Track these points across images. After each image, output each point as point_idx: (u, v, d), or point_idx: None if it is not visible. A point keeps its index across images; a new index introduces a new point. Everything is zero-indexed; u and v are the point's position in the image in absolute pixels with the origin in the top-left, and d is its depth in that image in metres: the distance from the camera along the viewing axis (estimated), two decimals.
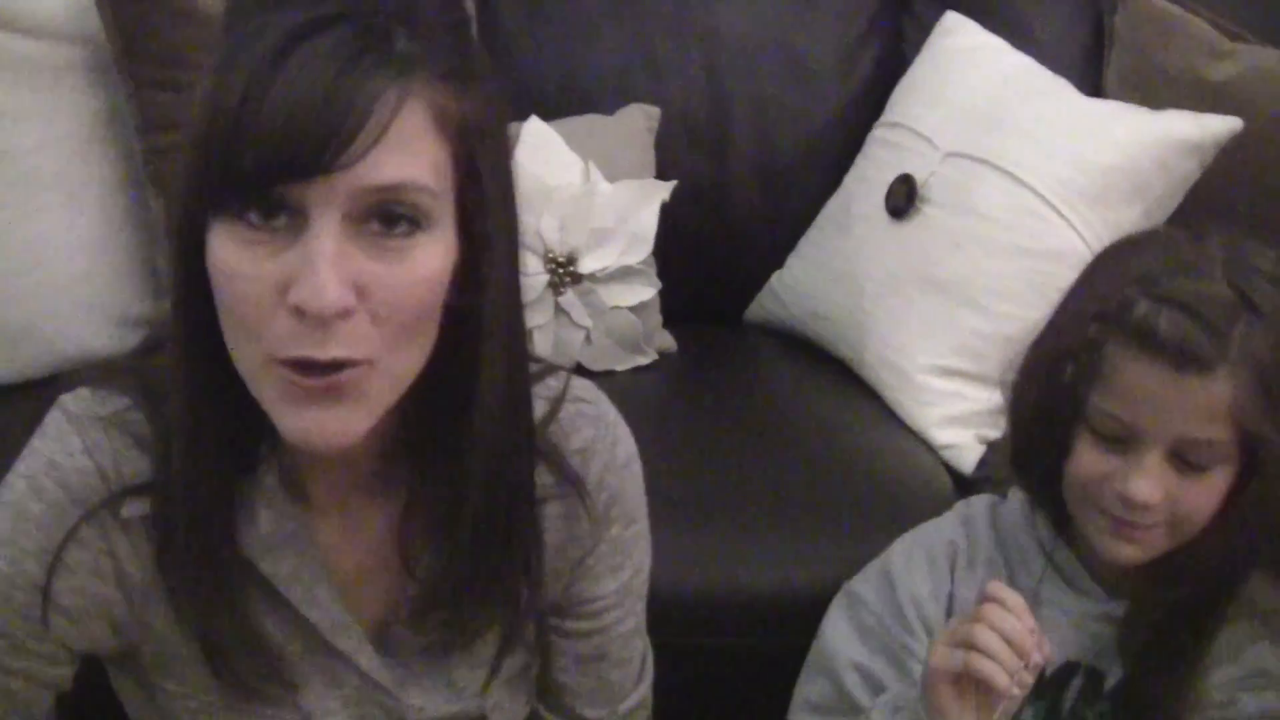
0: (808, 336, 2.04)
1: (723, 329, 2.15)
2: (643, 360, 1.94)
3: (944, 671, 1.12)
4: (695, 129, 2.15)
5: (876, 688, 1.31)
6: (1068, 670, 1.26)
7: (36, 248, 1.79)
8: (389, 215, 0.81)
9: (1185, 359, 1.11)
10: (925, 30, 2.15)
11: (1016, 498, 1.33)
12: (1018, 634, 1.10)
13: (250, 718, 1.01)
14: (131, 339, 1.84)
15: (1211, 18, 1.97)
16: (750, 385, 1.99)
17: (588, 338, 1.87)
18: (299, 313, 0.80)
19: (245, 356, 0.84)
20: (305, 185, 0.78)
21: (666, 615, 1.50)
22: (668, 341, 1.99)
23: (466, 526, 0.96)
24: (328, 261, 0.79)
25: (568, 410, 1.04)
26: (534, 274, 1.82)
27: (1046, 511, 1.28)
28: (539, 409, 1.02)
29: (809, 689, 1.38)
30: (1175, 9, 1.99)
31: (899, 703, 1.21)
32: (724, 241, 2.17)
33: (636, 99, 2.11)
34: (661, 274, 1.95)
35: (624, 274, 1.88)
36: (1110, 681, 1.26)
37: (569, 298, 1.84)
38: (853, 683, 1.32)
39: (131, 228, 1.85)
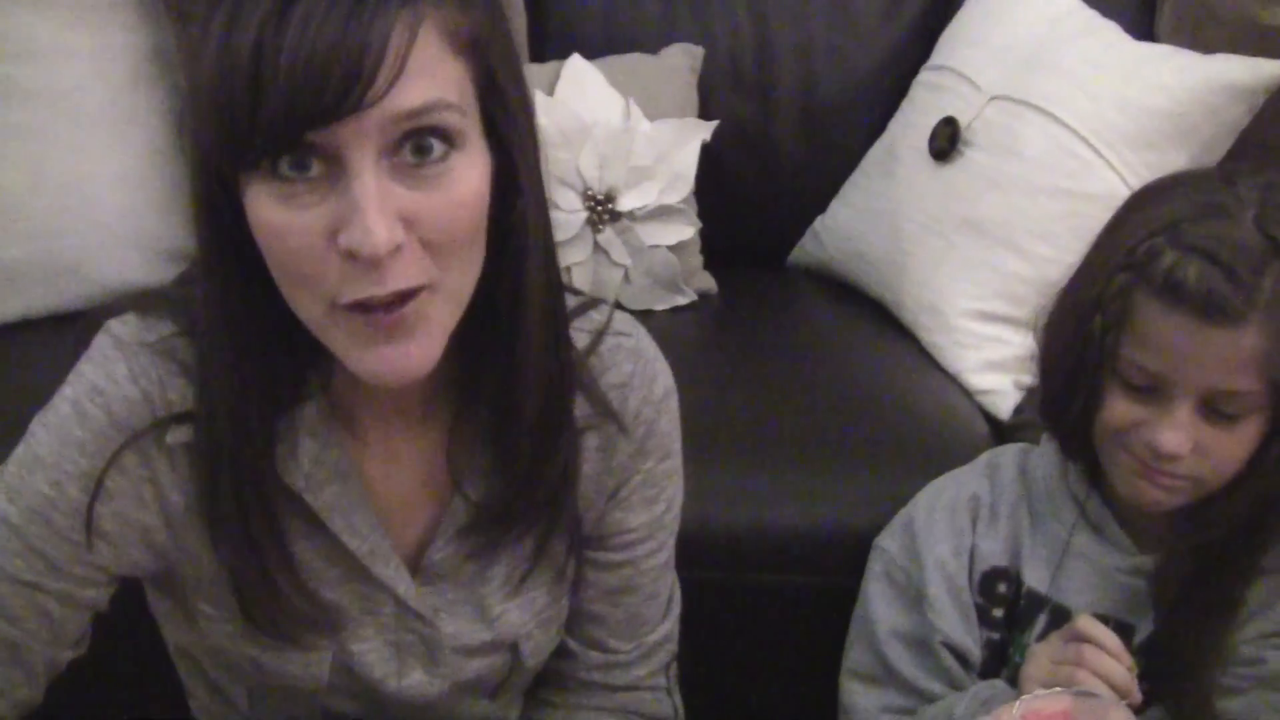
0: (849, 279, 2.04)
1: (765, 271, 2.15)
2: (681, 300, 1.95)
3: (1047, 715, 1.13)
4: (739, 71, 2.14)
5: (918, 655, 1.32)
6: None
7: (81, 183, 1.81)
8: (421, 144, 0.81)
9: (1213, 310, 1.09)
10: None
11: (1048, 446, 1.32)
12: (1120, 677, 1.11)
13: (286, 645, 1.02)
14: (174, 272, 1.85)
15: None
16: (789, 327, 1.98)
17: (626, 276, 1.88)
18: (352, 256, 0.80)
19: (306, 306, 0.85)
20: (336, 128, 0.78)
21: (699, 550, 1.51)
22: (708, 283, 1.99)
23: (520, 443, 0.97)
24: (373, 202, 0.79)
25: (608, 344, 1.05)
26: (572, 211, 1.82)
27: (1078, 461, 1.27)
28: (581, 341, 1.03)
29: (855, 657, 1.39)
30: None
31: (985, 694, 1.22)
32: (767, 184, 2.17)
33: (681, 40, 2.10)
34: (704, 216, 1.95)
35: (663, 213, 1.88)
36: (1140, 636, 1.25)
37: (607, 235, 1.84)
38: (896, 655, 1.33)
39: (175, 164, 1.86)
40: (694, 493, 1.37)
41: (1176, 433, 1.13)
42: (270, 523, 0.96)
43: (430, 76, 0.81)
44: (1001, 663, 1.31)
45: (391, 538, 1.02)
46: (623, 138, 1.85)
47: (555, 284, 0.96)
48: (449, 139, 0.82)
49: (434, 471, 1.03)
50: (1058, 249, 1.76)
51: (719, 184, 2.00)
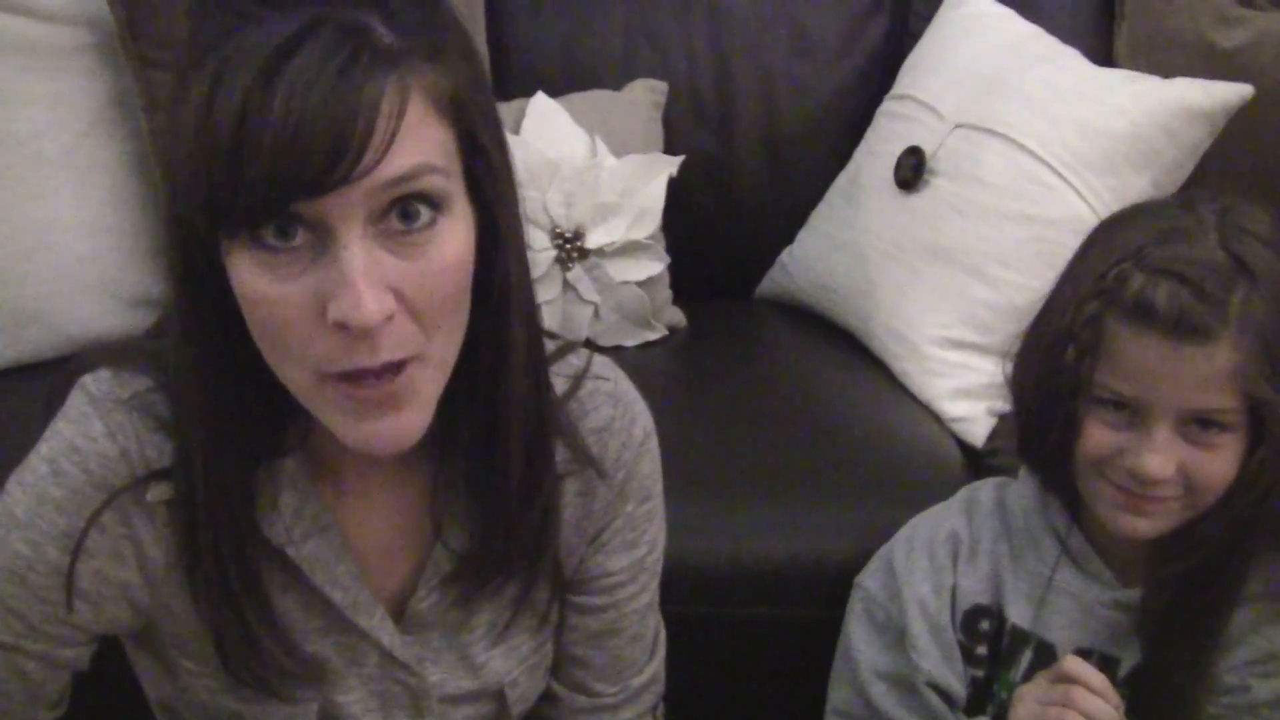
0: (818, 310, 2.04)
1: (733, 304, 2.15)
2: (652, 335, 1.94)
3: None
4: (701, 104, 2.15)
5: (902, 694, 1.31)
6: (1080, 657, 1.25)
7: (43, 229, 1.79)
8: (408, 209, 0.80)
9: (1185, 329, 1.10)
10: (931, 3, 2.14)
11: (1026, 480, 1.31)
12: (1108, 717, 1.11)
13: (269, 699, 1.01)
14: (138, 320, 1.85)
15: None
16: (760, 359, 1.98)
17: (596, 313, 1.87)
18: (342, 328, 0.79)
19: (294, 377, 0.84)
20: (323, 199, 0.77)
21: (675, 586, 1.49)
22: (678, 317, 1.99)
23: (502, 492, 0.97)
24: (362, 273, 0.78)
25: (587, 388, 1.05)
26: (541, 249, 1.81)
27: (1058, 494, 1.27)
28: (559, 386, 1.02)
29: (839, 696, 1.39)
30: None
31: None
32: (731, 217, 2.17)
33: (642, 75, 2.10)
34: (671, 250, 1.95)
35: (631, 249, 1.88)
36: (1124, 668, 1.25)
37: (576, 273, 1.84)
38: (879, 694, 1.33)
39: (138, 209, 1.86)
40: (668, 527, 1.36)
41: (1158, 455, 1.13)
42: (250, 578, 0.95)
43: (417, 141, 0.79)
44: (986, 700, 1.30)
45: (372, 587, 1.02)
46: (589, 174, 1.85)
47: (536, 335, 0.96)
48: (435, 203, 0.81)
49: (413, 520, 1.02)
50: (1023, 274, 1.77)
51: (684, 217, 2.00)
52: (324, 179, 0.75)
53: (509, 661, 1.08)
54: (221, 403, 0.89)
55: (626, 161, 1.90)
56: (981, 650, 1.29)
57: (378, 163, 0.76)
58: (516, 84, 2.05)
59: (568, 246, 1.83)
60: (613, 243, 1.85)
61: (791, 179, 2.15)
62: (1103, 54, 2.00)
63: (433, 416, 0.89)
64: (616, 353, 1.89)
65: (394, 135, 0.77)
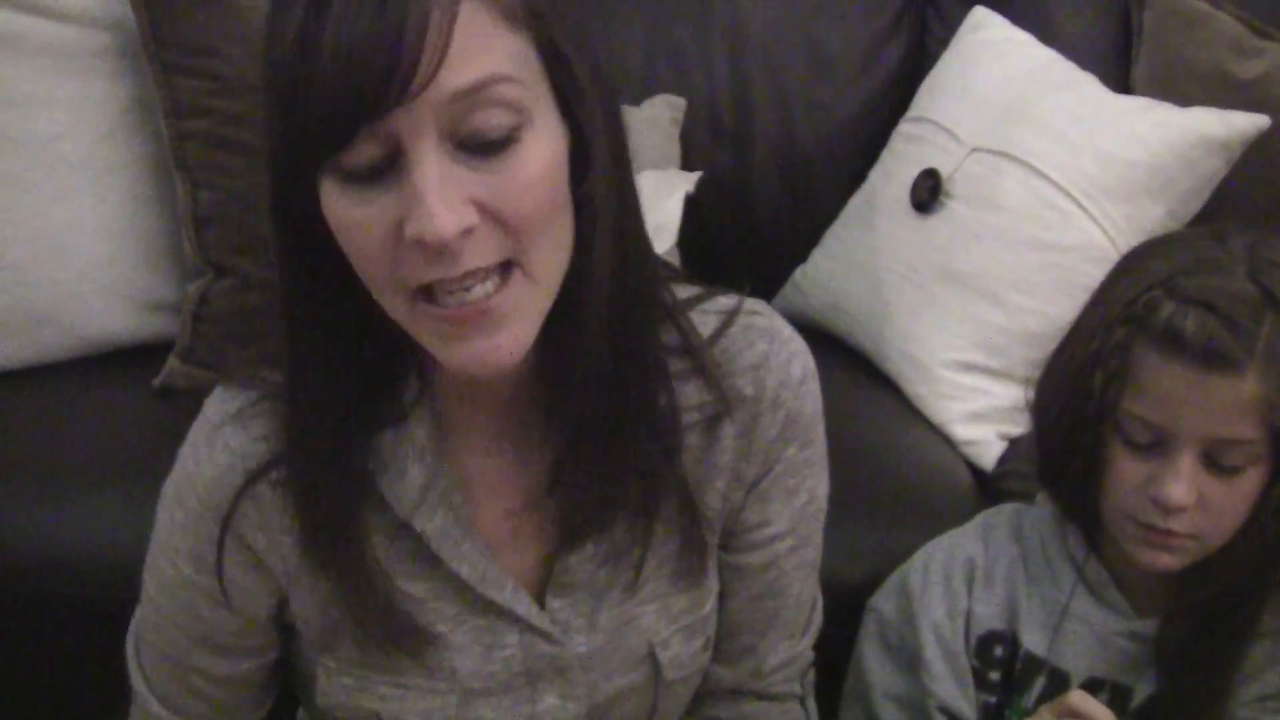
0: (830, 330, 2.04)
1: None
2: None
3: None
4: (718, 122, 2.15)
5: (914, 718, 1.31)
6: (1092, 686, 1.25)
7: (62, 232, 1.80)
8: (485, 123, 0.79)
9: (1213, 359, 1.10)
10: (949, 25, 2.15)
11: (1044, 505, 1.31)
12: None
13: (406, 693, 1.02)
14: (155, 324, 1.86)
15: (1240, 15, 1.96)
16: None
17: None
18: (421, 245, 0.79)
19: (391, 303, 0.84)
20: (388, 119, 0.77)
21: None
22: None
23: (584, 428, 0.93)
24: (434, 189, 0.78)
25: (739, 324, 1.01)
26: None
27: (1077, 522, 1.27)
28: (709, 324, 1.00)
29: (848, 717, 1.39)
30: (1203, 6, 1.98)
31: None
32: (746, 234, 2.17)
33: (660, 91, 2.11)
34: (685, 266, 1.94)
35: None
36: (1137, 699, 1.25)
37: None
38: (890, 716, 1.33)
39: (157, 213, 1.86)
40: None
41: (1181, 483, 1.13)
42: (371, 562, 0.96)
43: (482, 53, 0.78)
44: None
45: (504, 561, 1.01)
46: None
47: (636, 263, 0.91)
48: (513, 116, 0.80)
49: (535, 489, 0.99)
50: (1038, 300, 1.78)
51: (698, 234, 2.00)
52: (381, 100, 0.75)
53: (661, 620, 1.05)
54: (332, 358, 0.90)
55: (644, 178, 1.87)
56: (995, 676, 1.29)
57: (433, 78, 0.76)
58: None
59: None
60: None
61: (807, 198, 2.15)
62: (1120, 82, 2.01)
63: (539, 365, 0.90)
64: None
65: (445, 49, 0.76)
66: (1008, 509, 1.37)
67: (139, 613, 1.06)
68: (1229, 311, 1.11)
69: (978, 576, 1.31)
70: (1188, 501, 1.13)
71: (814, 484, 1.09)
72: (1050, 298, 1.77)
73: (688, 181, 1.94)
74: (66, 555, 1.52)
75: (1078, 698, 1.13)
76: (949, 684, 1.28)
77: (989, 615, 1.29)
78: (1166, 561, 1.18)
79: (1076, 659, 1.26)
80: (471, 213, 0.79)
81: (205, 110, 1.76)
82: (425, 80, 0.76)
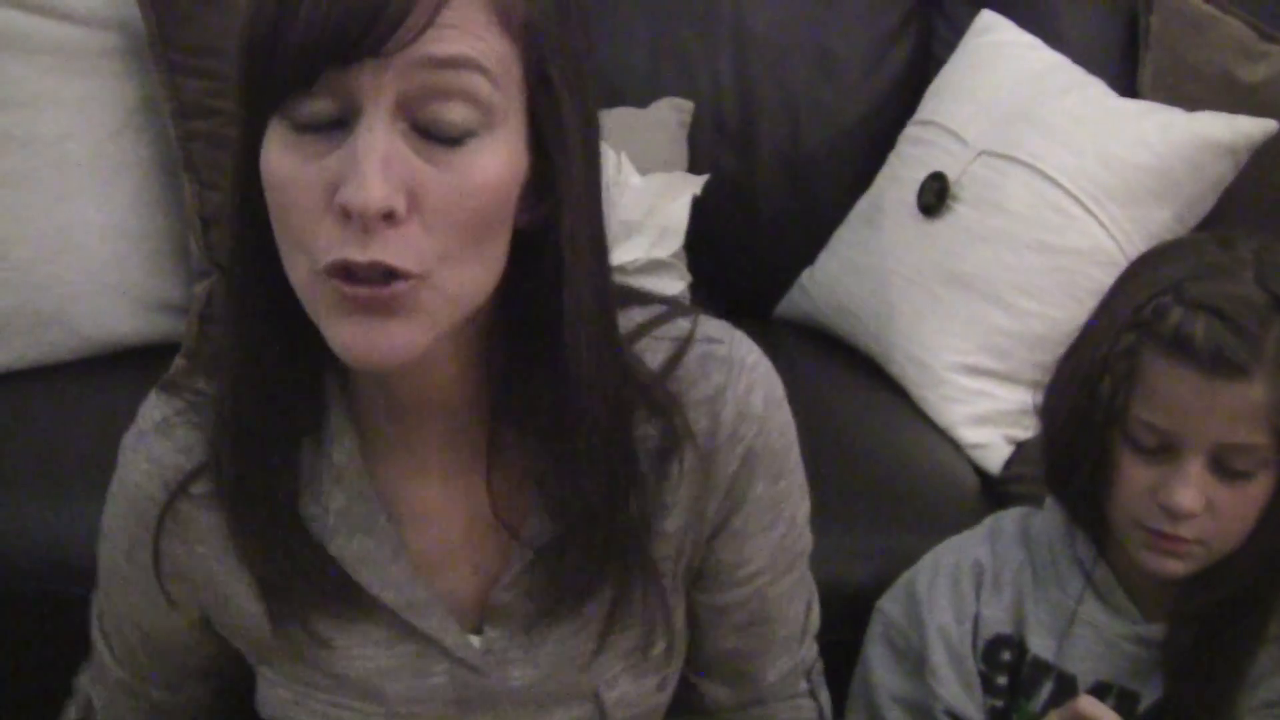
0: (836, 332, 2.04)
1: (752, 324, 2.14)
2: None
3: None
4: (724, 125, 2.16)
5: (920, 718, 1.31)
6: (1099, 691, 1.25)
7: (68, 232, 1.80)
8: (444, 109, 0.76)
9: (1221, 364, 1.10)
10: (955, 28, 2.15)
11: (1052, 509, 1.31)
12: None
13: (340, 711, 1.00)
14: (160, 324, 1.85)
15: (1246, 18, 1.96)
16: None
17: None
18: (345, 214, 0.75)
19: (296, 270, 0.80)
20: (355, 71, 0.74)
21: None
22: None
23: (576, 475, 0.89)
24: (375, 156, 0.74)
25: (696, 352, 0.95)
26: None
27: (1085, 527, 1.27)
28: (663, 351, 0.94)
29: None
30: (1210, 9, 1.98)
31: None
32: (751, 236, 2.17)
33: (666, 94, 2.11)
34: (691, 269, 1.95)
35: (654, 267, 1.88)
36: (1144, 704, 1.25)
37: None
38: (895, 719, 1.32)
39: (164, 214, 1.86)
40: None
41: (1190, 489, 1.13)
42: (295, 563, 0.94)
43: (467, 37, 0.76)
44: None
45: (443, 587, 0.96)
46: (613, 191, 1.85)
47: (608, 306, 0.88)
48: (475, 114, 0.77)
49: (481, 513, 0.95)
50: (1044, 303, 1.78)
51: (704, 236, 2.00)
52: (358, 44, 0.73)
53: (607, 656, 0.99)
54: (265, 357, 0.87)
55: (651, 180, 1.91)
56: (1002, 680, 1.29)
57: (414, 40, 0.74)
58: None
59: None
60: (635, 260, 1.86)
61: (813, 201, 2.15)
62: (1127, 85, 2.01)
63: (484, 386, 0.89)
64: None
65: (434, 13, 0.74)
66: (1015, 513, 1.37)
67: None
68: (1237, 317, 1.11)
69: (985, 580, 1.31)
70: (1196, 507, 1.13)
71: (792, 511, 1.04)
72: (1056, 301, 1.77)
73: (695, 184, 1.94)
74: (70, 555, 1.52)
75: (1086, 703, 1.13)
76: (955, 688, 1.28)
77: (996, 619, 1.29)
78: (1174, 567, 1.17)
79: (1084, 663, 1.26)
80: (402, 200, 0.76)
81: (212, 111, 1.76)
82: (404, 40, 0.74)
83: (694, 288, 1.95)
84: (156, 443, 0.95)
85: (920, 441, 1.78)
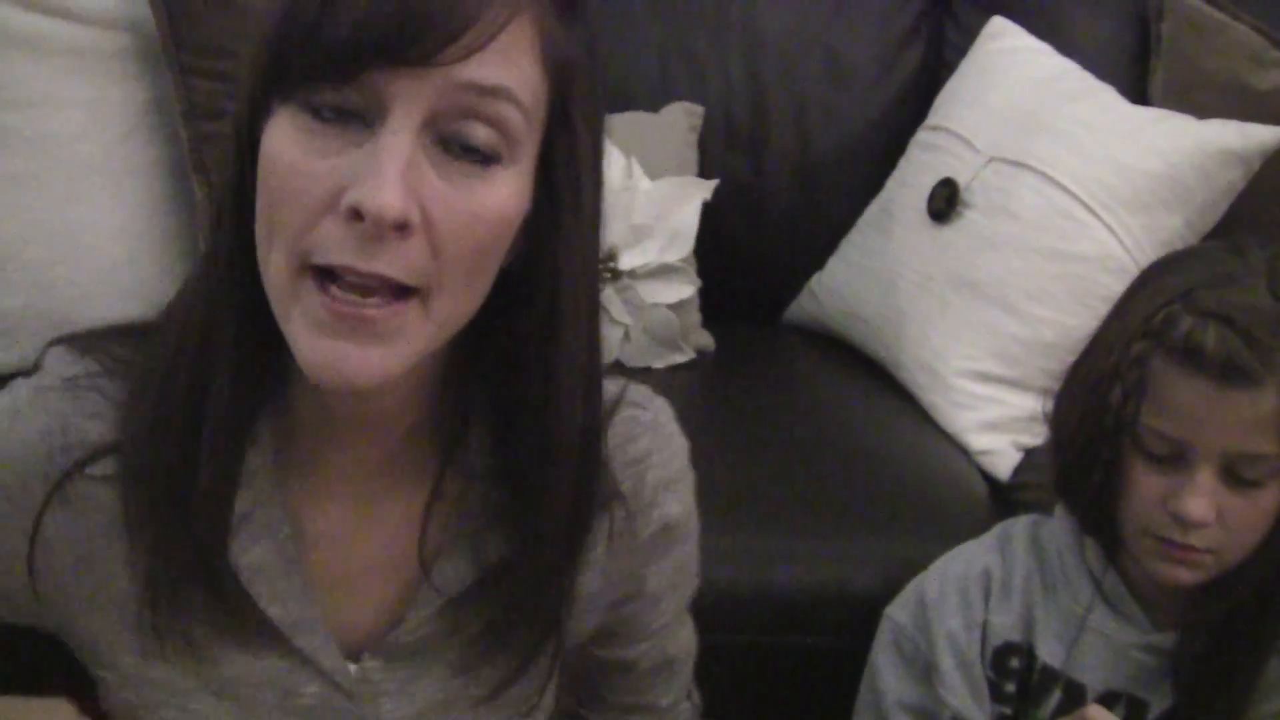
0: (845, 337, 2.04)
1: (761, 329, 2.16)
2: (680, 358, 1.95)
3: None
4: (734, 129, 2.16)
5: None
6: (1108, 700, 1.25)
7: (78, 233, 1.79)
8: (471, 136, 0.75)
9: (1232, 373, 1.10)
10: (966, 34, 2.15)
11: (1063, 517, 1.31)
12: None
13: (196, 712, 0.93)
14: None
15: (1258, 26, 1.96)
16: (787, 386, 1.98)
17: (626, 334, 1.88)
18: (352, 217, 0.72)
19: (277, 265, 0.76)
20: (394, 75, 0.72)
21: (698, 613, 1.51)
22: (706, 340, 2.00)
23: (546, 527, 0.88)
24: (397, 161, 0.72)
25: (623, 415, 0.95)
26: None
27: (1095, 535, 1.26)
28: None
29: None
30: (1221, 17, 1.98)
31: None
32: (762, 242, 2.17)
33: (676, 98, 2.11)
34: (700, 273, 1.95)
35: (663, 271, 1.88)
36: (1153, 713, 1.25)
37: (608, 294, 1.84)
38: None
39: (174, 215, 1.86)
40: None
41: (1200, 499, 1.13)
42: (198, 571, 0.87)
43: (511, 66, 0.75)
44: None
45: (348, 611, 0.93)
46: (623, 196, 1.86)
47: (595, 357, 0.87)
48: (501, 143, 0.76)
49: (392, 545, 0.92)
50: (1054, 310, 1.78)
51: (714, 240, 2.01)
52: (408, 50, 0.71)
53: (489, 709, 0.97)
54: (221, 341, 0.81)
55: (661, 184, 1.91)
56: (1010, 688, 1.29)
57: (464, 58, 0.72)
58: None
59: (600, 267, 1.83)
60: (645, 265, 1.86)
61: (823, 206, 2.16)
62: (1137, 92, 2.01)
63: (439, 422, 0.86)
64: (644, 375, 1.89)
65: (490, 39, 0.73)
66: (1025, 520, 1.37)
67: None
68: (1248, 326, 1.11)
69: (994, 588, 1.31)
70: (1207, 516, 1.13)
71: (694, 568, 1.07)
72: (1066, 308, 1.77)
73: (705, 189, 1.94)
74: None
75: (1094, 711, 1.13)
76: (964, 695, 1.28)
77: (1005, 626, 1.29)
78: (1185, 576, 1.17)
79: (1093, 672, 1.25)
80: (417, 212, 0.73)
81: (223, 112, 1.76)
82: (455, 56, 0.72)
83: (703, 292, 1.96)
84: (61, 400, 0.85)
85: (929, 448, 1.78)
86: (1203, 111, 1.86)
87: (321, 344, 0.75)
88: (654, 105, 2.08)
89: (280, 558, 0.89)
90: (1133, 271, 1.69)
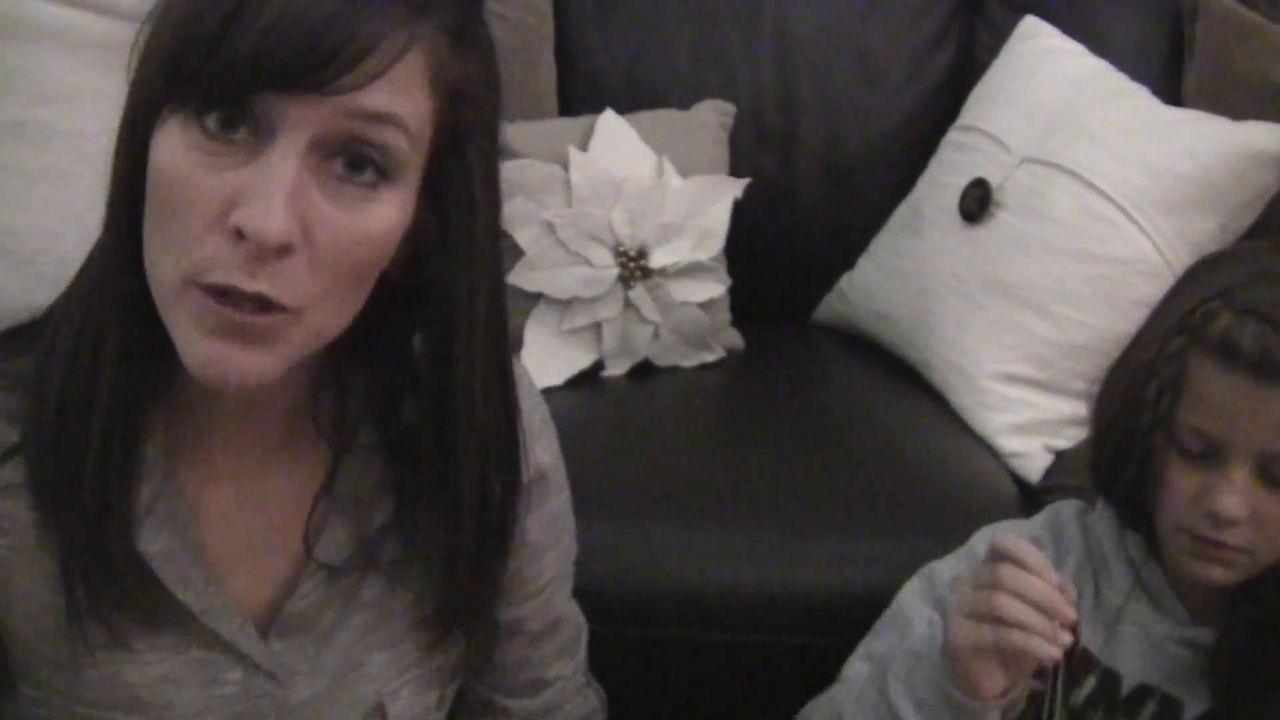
0: (875, 338, 2.04)
1: (790, 328, 2.15)
2: (709, 357, 1.94)
3: (970, 648, 1.09)
4: (764, 128, 2.15)
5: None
6: (1142, 693, 1.24)
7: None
8: (357, 157, 0.77)
9: (1268, 370, 1.10)
10: (997, 33, 2.14)
11: (1105, 510, 1.30)
12: (1045, 597, 1.06)
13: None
14: None
15: None
16: (816, 385, 1.98)
17: (656, 333, 1.87)
18: (237, 236, 0.74)
19: (165, 273, 0.77)
20: (287, 100, 0.74)
21: (725, 613, 1.51)
22: (735, 339, 1.99)
23: (457, 522, 0.93)
24: (284, 186, 0.74)
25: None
26: (603, 267, 1.82)
27: (1136, 529, 1.26)
28: None
29: (874, 644, 1.36)
30: (1256, 18, 1.97)
31: (920, 649, 1.19)
32: (791, 240, 2.17)
33: (707, 96, 2.10)
34: (730, 272, 1.95)
35: (694, 270, 1.88)
36: (1188, 713, 1.23)
37: (638, 292, 1.84)
38: (922, 635, 1.30)
39: None
40: (721, 553, 1.35)
41: (1235, 496, 1.12)
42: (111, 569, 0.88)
43: (402, 93, 0.77)
44: (1036, 715, 1.27)
45: (239, 589, 0.94)
46: (655, 194, 1.85)
47: (505, 352, 0.92)
48: (386, 166, 0.78)
49: (274, 522, 0.95)
50: (1086, 312, 1.77)
51: (743, 239, 2.00)
52: (304, 79, 0.73)
53: (390, 669, 1.00)
54: (98, 338, 0.83)
55: (692, 182, 1.90)
56: None
57: (359, 87, 0.74)
58: (583, 102, 2.06)
59: (631, 265, 1.83)
60: (676, 263, 1.85)
61: (853, 205, 2.15)
62: (1171, 93, 2.00)
63: (326, 404, 0.90)
64: (673, 373, 1.90)
65: (384, 71, 0.75)
66: (1072, 505, 1.36)
67: None
68: None
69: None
70: (1241, 513, 1.12)
71: (570, 523, 1.10)
72: (1098, 310, 1.76)
73: (736, 188, 1.94)
74: None
75: (1001, 538, 1.11)
76: None
77: None
78: (1218, 575, 1.17)
79: (1129, 663, 1.24)
80: (298, 233, 0.75)
81: None
82: (349, 86, 0.74)
83: (733, 291, 1.96)
84: None
85: (959, 449, 1.78)
86: (1237, 113, 1.85)
87: (207, 345, 0.78)
88: (685, 103, 2.07)
89: (184, 545, 0.90)
90: (1165, 274, 1.69)
